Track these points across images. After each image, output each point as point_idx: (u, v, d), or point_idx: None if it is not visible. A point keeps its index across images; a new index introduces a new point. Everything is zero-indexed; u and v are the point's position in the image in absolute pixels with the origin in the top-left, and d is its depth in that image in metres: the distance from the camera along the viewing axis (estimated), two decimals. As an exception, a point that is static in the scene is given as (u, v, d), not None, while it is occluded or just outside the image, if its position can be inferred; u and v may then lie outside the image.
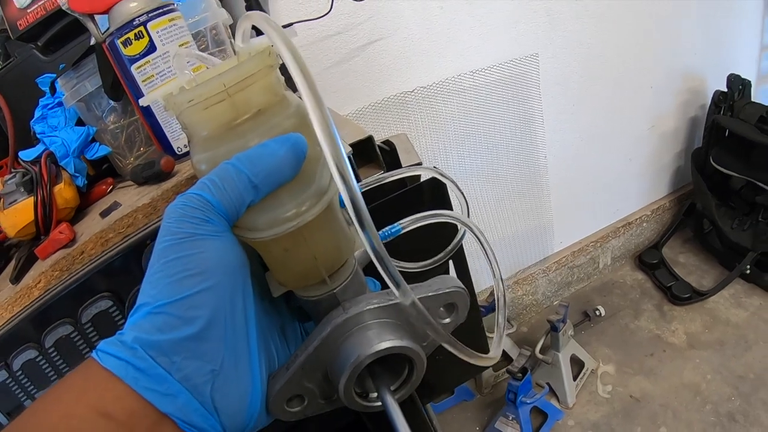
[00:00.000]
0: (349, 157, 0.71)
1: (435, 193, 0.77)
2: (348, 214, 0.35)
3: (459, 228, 0.61)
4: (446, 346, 0.41)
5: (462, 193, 0.61)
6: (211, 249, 0.38)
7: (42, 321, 0.74)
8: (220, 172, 0.38)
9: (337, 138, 0.34)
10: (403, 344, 0.40)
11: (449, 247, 0.61)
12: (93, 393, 0.35)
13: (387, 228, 0.50)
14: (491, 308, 2.33)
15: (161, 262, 0.37)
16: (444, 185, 0.78)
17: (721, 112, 2.69)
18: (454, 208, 0.69)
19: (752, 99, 2.69)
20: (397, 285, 0.37)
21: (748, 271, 2.64)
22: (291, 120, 0.40)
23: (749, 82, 2.66)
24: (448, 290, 0.43)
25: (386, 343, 0.39)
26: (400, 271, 0.37)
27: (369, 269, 0.47)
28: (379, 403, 0.42)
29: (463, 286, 0.44)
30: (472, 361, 0.43)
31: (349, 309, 0.41)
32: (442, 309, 0.45)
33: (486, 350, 0.45)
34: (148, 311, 0.37)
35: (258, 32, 0.38)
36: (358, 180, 0.57)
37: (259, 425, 0.42)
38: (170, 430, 0.36)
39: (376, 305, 0.41)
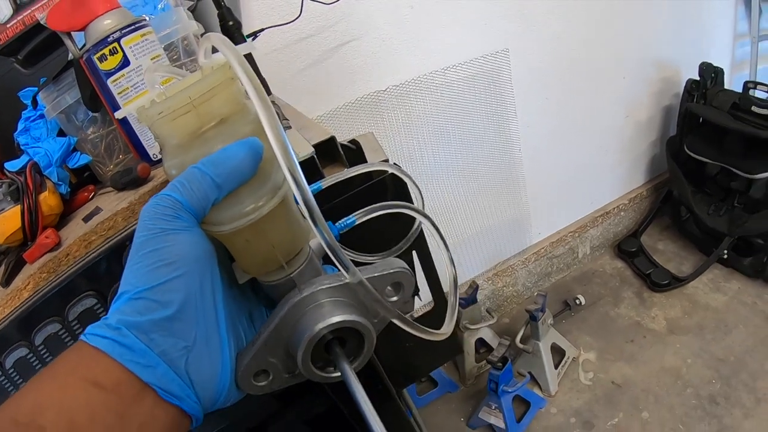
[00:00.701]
0: (312, 158, 0.76)
1: (397, 188, 0.81)
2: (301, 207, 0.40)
3: (416, 221, 0.66)
4: (395, 320, 0.46)
5: (417, 188, 0.66)
6: (181, 242, 0.43)
7: (31, 320, 0.78)
8: (187, 175, 0.43)
9: (287, 143, 0.39)
10: (352, 318, 0.45)
11: (405, 238, 0.65)
12: (84, 367, 0.40)
13: (342, 220, 0.54)
14: (471, 300, 2.37)
15: (139, 254, 0.43)
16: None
17: (694, 100, 2.73)
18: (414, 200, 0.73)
19: (727, 87, 2.72)
20: (346, 267, 0.43)
21: (725, 256, 2.68)
22: (249, 126, 0.45)
23: (722, 69, 2.69)
24: (393, 270, 0.48)
25: (337, 317, 0.44)
26: (364, 264, 0.42)
27: (329, 258, 0.51)
28: (338, 374, 0.47)
29: (407, 267, 0.49)
30: (422, 336, 0.48)
31: (304, 290, 0.46)
32: (389, 288, 0.49)
33: (458, 341, 0.50)
34: (129, 297, 0.42)
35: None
36: (321, 177, 0.62)
37: (230, 398, 0.47)
38: (152, 398, 0.41)
39: (328, 285, 0.46)
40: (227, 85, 0.44)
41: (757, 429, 2.04)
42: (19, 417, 0.37)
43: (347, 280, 0.44)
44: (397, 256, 0.61)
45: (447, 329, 0.52)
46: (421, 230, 0.77)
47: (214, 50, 0.45)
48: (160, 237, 0.42)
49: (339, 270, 0.43)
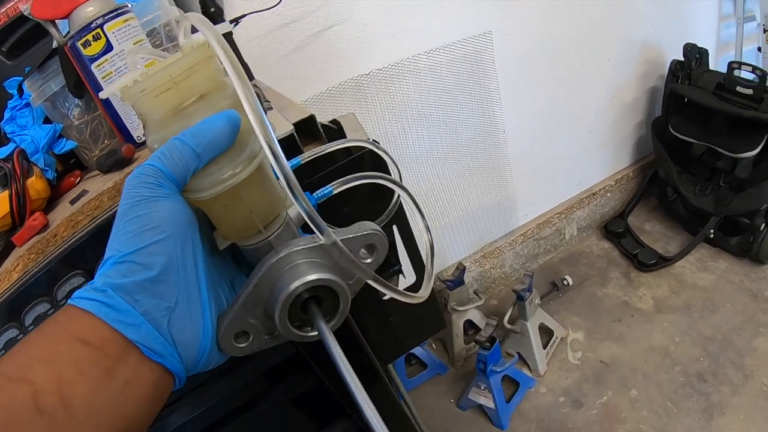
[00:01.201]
0: (292, 135, 0.78)
1: (376, 164, 0.83)
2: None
3: (395, 194, 0.68)
4: (371, 282, 0.48)
5: (395, 163, 0.68)
6: (163, 208, 0.45)
7: (21, 301, 0.79)
8: (168, 145, 0.45)
9: (262, 113, 0.42)
10: (327, 277, 0.47)
11: (386, 212, 0.67)
12: (72, 326, 0.42)
13: (320, 190, 0.57)
14: (458, 282, 2.39)
15: (123, 221, 0.45)
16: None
17: (679, 80, 2.74)
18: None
19: (712, 68, 2.73)
20: (320, 228, 0.45)
21: (712, 236, 2.71)
22: (227, 101, 0.47)
23: (706, 50, 2.70)
24: (366, 233, 0.50)
25: (312, 276, 0.46)
26: (336, 230, 0.43)
27: (308, 227, 0.53)
28: (315, 333, 0.49)
29: (380, 230, 0.51)
30: (398, 297, 0.50)
31: (280, 251, 0.48)
32: (363, 250, 0.52)
33: (440, 318, 0.52)
34: (114, 261, 0.44)
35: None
36: (300, 152, 0.64)
37: (212, 361, 0.49)
38: (136, 356, 0.43)
39: (303, 246, 0.48)
40: (206, 63, 0.46)
41: (744, 405, 2.06)
42: (10, 372, 0.39)
43: (322, 242, 0.46)
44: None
45: (424, 293, 0.54)
46: (401, 206, 0.80)
47: (194, 30, 0.47)
48: (143, 204, 0.44)
49: (315, 233, 0.45)
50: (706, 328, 2.39)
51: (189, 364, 0.47)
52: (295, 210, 0.54)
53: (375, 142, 0.69)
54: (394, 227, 0.89)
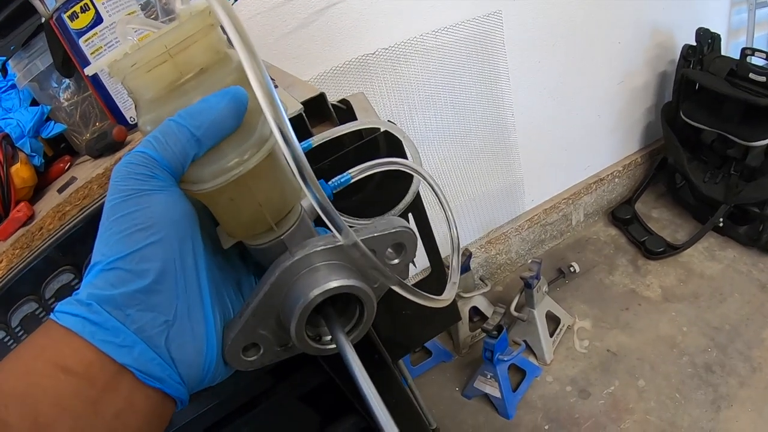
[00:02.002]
0: (300, 115, 0.71)
1: (391, 146, 0.77)
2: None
3: (414, 180, 0.62)
4: (396, 288, 0.42)
5: (413, 145, 0.61)
6: (157, 203, 0.38)
7: (7, 301, 0.74)
8: (162, 128, 0.39)
9: (271, 88, 0.35)
10: (350, 283, 0.41)
11: (405, 200, 0.61)
12: (51, 349, 0.36)
13: (336, 178, 0.50)
14: (464, 268, 2.36)
15: (110, 219, 0.38)
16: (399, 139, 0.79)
17: (691, 66, 2.70)
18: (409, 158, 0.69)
19: (723, 54, 2.68)
20: (339, 228, 0.38)
21: (721, 224, 2.67)
22: (232, 75, 0.41)
23: (718, 35, 2.66)
24: (394, 230, 0.44)
25: (334, 283, 0.40)
26: (359, 228, 0.37)
27: (322, 221, 0.47)
28: (333, 346, 0.43)
29: (409, 226, 0.44)
30: (423, 303, 0.44)
31: (296, 253, 0.42)
32: (390, 250, 0.45)
33: (455, 309, 0.46)
34: (101, 268, 0.38)
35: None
36: (310, 135, 0.57)
37: (218, 376, 0.43)
38: (128, 382, 0.37)
39: (323, 247, 0.42)
40: (207, 33, 0.40)
41: (752, 397, 2.04)
42: None
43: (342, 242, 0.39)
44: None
45: (449, 295, 0.48)
46: (418, 192, 0.74)
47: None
48: (133, 199, 0.38)
49: (332, 231, 0.39)
50: (713, 318, 2.37)
51: (191, 383, 0.41)
52: (308, 201, 0.47)
53: (391, 123, 0.63)
54: (410, 215, 0.83)
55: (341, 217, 0.38)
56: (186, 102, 0.39)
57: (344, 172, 0.52)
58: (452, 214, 0.56)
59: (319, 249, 0.41)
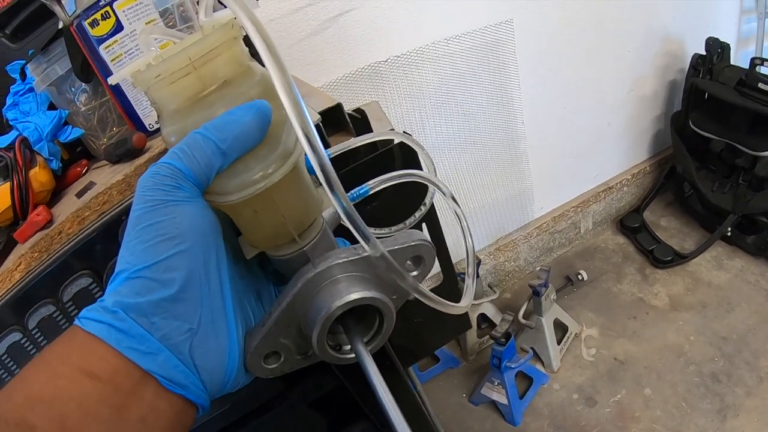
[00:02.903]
0: (318, 125, 0.72)
1: (406, 157, 0.78)
2: (315, 174, 0.36)
3: (429, 190, 0.62)
4: (416, 295, 0.42)
5: (429, 157, 0.62)
6: (183, 214, 0.39)
7: (24, 303, 0.74)
8: (188, 141, 0.39)
9: (299, 99, 0.36)
10: (371, 295, 0.41)
11: (421, 208, 0.62)
12: (77, 355, 0.36)
13: (355, 189, 0.51)
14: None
15: (137, 229, 0.39)
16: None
17: (700, 75, 2.69)
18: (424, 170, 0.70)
19: (732, 63, 2.68)
20: (366, 238, 0.39)
21: (729, 234, 2.66)
22: (256, 88, 0.41)
23: (728, 45, 2.66)
24: (414, 243, 0.45)
25: (355, 294, 0.41)
26: (381, 240, 0.38)
27: (340, 230, 0.48)
28: (353, 355, 0.44)
29: (428, 240, 0.45)
30: (443, 310, 0.44)
31: (318, 264, 0.42)
32: (409, 262, 0.46)
33: (466, 316, 0.47)
34: (126, 276, 0.38)
35: (222, 5, 0.39)
36: (327, 146, 0.58)
37: (238, 383, 0.44)
38: (153, 388, 0.37)
39: (344, 259, 0.42)
40: (230, 45, 0.41)
41: (759, 407, 2.03)
42: (9, 415, 0.34)
43: (367, 254, 0.40)
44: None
45: (466, 302, 0.49)
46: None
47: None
48: (159, 209, 0.38)
49: (359, 242, 0.39)
50: (721, 328, 2.36)
51: (213, 390, 0.41)
52: (328, 212, 0.48)
53: (407, 134, 0.64)
54: (424, 225, 0.84)
55: (368, 229, 0.38)
56: (209, 114, 0.40)
57: (359, 182, 0.52)
58: (467, 225, 0.56)
59: (341, 261, 0.42)
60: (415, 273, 0.46)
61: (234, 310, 0.42)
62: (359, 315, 0.44)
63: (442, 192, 0.53)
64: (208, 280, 0.40)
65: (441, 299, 0.43)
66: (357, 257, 0.42)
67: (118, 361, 0.36)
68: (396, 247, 0.44)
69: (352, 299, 0.41)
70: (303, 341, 0.44)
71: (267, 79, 0.42)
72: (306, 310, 0.43)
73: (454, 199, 0.54)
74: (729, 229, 2.65)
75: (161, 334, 0.38)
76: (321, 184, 0.37)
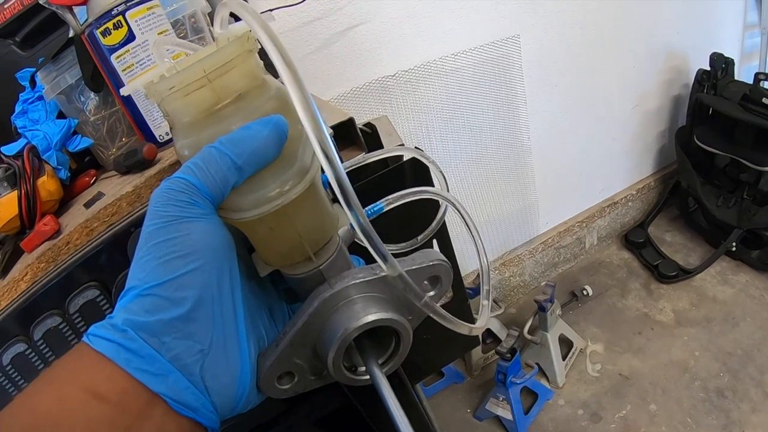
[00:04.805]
0: (331, 137, 0.71)
1: (417, 173, 0.77)
2: (331, 191, 0.35)
3: (440, 206, 0.62)
4: (434, 316, 0.41)
5: (442, 173, 0.61)
6: (197, 231, 0.38)
7: (30, 314, 0.74)
8: (203, 155, 0.39)
9: (318, 115, 0.35)
10: (388, 317, 0.41)
11: (432, 224, 0.61)
12: (85, 375, 0.36)
13: (370, 206, 0.50)
14: (478, 290, 2.33)
15: (149, 245, 0.38)
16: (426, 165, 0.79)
17: (705, 90, 2.70)
18: (436, 186, 0.69)
19: (736, 78, 2.69)
20: (385, 258, 0.38)
21: (734, 249, 2.66)
22: (271, 102, 0.41)
23: (732, 60, 2.67)
24: (431, 263, 0.44)
25: (372, 316, 0.40)
26: (399, 260, 0.37)
27: (354, 247, 0.47)
28: (368, 377, 0.43)
29: (446, 259, 0.44)
30: (460, 330, 0.44)
31: (335, 284, 0.42)
32: (426, 282, 0.45)
33: (476, 335, 0.46)
34: (137, 293, 0.37)
35: (236, 18, 0.38)
36: (340, 160, 0.58)
37: (250, 403, 0.43)
38: (162, 410, 0.37)
39: (361, 279, 0.41)
40: (245, 58, 0.40)
41: (764, 423, 2.02)
42: None
43: (384, 274, 0.39)
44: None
45: (482, 323, 0.48)
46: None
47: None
48: (173, 225, 0.38)
49: (376, 261, 0.39)
50: (726, 343, 2.35)
51: (224, 411, 0.40)
52: (342, 228, 0.47)
53: (419, 150, 0.63)
54: (434, 241, 0.83)
55: (386, 249, 0.38)
56: (224, 128, 0.39)
57: (370, 197, 0.52)
58: (482, 243, 0.55)
59: (358, 282, 0.41)
60: (432, 293, 0.46)
61: (246, 330, 0.41)
62: (375, 335, 0.43)
63: (458, 210, 0.53)
64: (220, 299, 0.39)
65: (459, 321, 0.43)
66: (374, 277, 0.42)
67: (126, 382, 0.36)
68: (414, 268, 0.43)
69: (369, 321, 0.40)
70: (317, 361, 0.43)
71: (282, 93, 0.42)
72: (321, 331, 0.42)
73: (469, 218, 0.54)
74: (734, 243, 2.64)
75: (172, 354, 0.37)
76: (337, 200, 0.36)
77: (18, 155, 0.88)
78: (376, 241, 0.37)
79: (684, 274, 2.69)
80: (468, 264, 2.56)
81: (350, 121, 0.80)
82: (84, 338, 0.37)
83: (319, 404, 0.91)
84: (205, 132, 0.40)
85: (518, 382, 2.12)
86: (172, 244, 0.37)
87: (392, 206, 0.51)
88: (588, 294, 2.67)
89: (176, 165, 0.77)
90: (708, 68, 2.68)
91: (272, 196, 0.40)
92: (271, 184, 0.40)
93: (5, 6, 1.03)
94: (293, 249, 0.42)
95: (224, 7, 0.41)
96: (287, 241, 0.42)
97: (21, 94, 1.00)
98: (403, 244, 0.60)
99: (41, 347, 0.75)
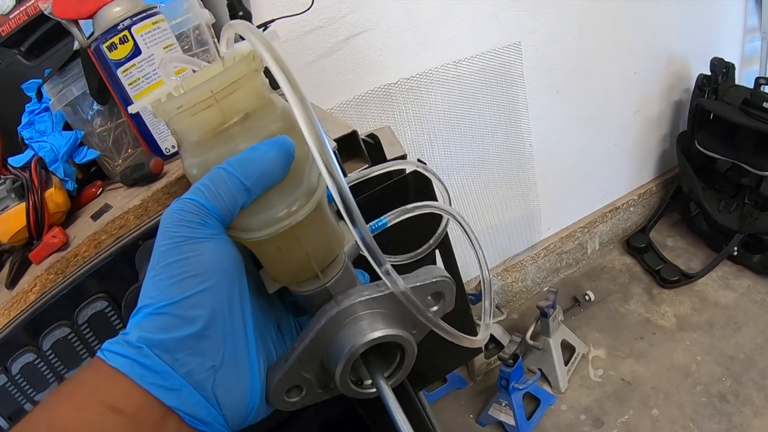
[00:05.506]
0: (334, 152, 0.72)
1: (420, 185, 0.78)
2: (336, 209, 0.37)
3: (443, 218, 0.62)
4: (437, 331, 0.42)
5: (444, 186, 0.62)
6: (208, 251, 0.39)
7: (39, 324, 0.74)
8: (212, 177, 0.40)
9: (324, 138, 0.36)
10: (394, 332, 0.42)
11: (434, 238, 0.62)
12: (102, 389, 0.37)
13: (373, 222, 0.51)
14: (480, 296, 2.33)
15: (161, 264, 0.39)
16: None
17: (705, 95, 2.70)
18: (438, 197, 0.70)
19: (736, 82, 2.69)
20: (389, 275, 0.39)
21: (735, 253, 2.66)
22: (278, 122, 0.42)
23: (733, 65, 2.67)
24: (434, 280, 0.45)
25: (378, 332, 0.41)
26: (402, 276, 0.38)
27: (358, 261, 0.48)
28: (374, 390, 0.44)
29: (449, 276, 0.45)
30: (462, 344, 0.45)
31: (341, 302, 0.43)
32: (429, 298, 0.46)
33: (475, 335, 0.47)
34: (151, 312, 0.38)
35: (243, 36, 0.39)
36: (344, 175, 0.58)
37: (259, 416, 0.44)
38: (175, 424, 0.38)
39: (367, 296, 0.43)
40: (251, 78, 0.41)
41: (766, 427, 2.02)
42: None
43: (389, 291, 0.40)
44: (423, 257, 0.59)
45: (483, 336, 0.49)
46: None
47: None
48: (184, 246, 0.39)
49: (380, 277, 0.40)
50: (728, 348, 2.35)
51: (234, 424, 0.42)
52: (347, 246, 0.48)
53: (422, 163, 0.64)
54: (437, 252, 0.84)
55: (391, 267, 0.39)
56: (232, 148, 0.40)
57: (373, 209, 0.52)
58: (484, 256, 0.56)
59: (364, 299, 0.42)
60: (435, 308, 0.47)
61: (256, 345, 0.42)
62: (380, 349, 0.44)
63: (461, 225, 0.54)
64: (231, 317, 0.40)
65: (461, 334, 0.44)
66: (380, 294, 0.43)
67: (141, 396, 0.37)
68: (417, 284, 0.44)
69: (375, 337, 0.41)
70: (325, 375, 0.44)
71: (288, 112, 0.42)
72: (328, 346, 0.43)
73: (472, 233, 0.54)
74: (735, 248, 2.64)
75: (185, 370, 0.38)
76: (342, 218, 0.37)
77: (25, 167, 0.89)
78: (381, 260, 0.38)
79: (686, 278, 2.69)
80: (470, 270, 2.55)
81: (353, 134, 0.80)
82: (99, 354, 0.39)
83: (324, 408, 0.91)
84: (213, 152, 0.41)
85: (521, 387, 2.11)
86: (184, 264, 0.38)
87: (396, 221, 0.52)
88: (590, 299, 2.67)
89: (183, 179, 0.77)
90: (709, 73, 2.68)
91: (280, 216, 0.40)
92: (279, 204, 0.41)
93: (10, 16, 1.03)
94: (301, 267, 0.43)
95: (230, 28, 0.42)
96: (295, 259, 0.43)
97: (27, 105, 1.00)
98: (405, 256, 0.61)
99: (50, 357, 0.75)
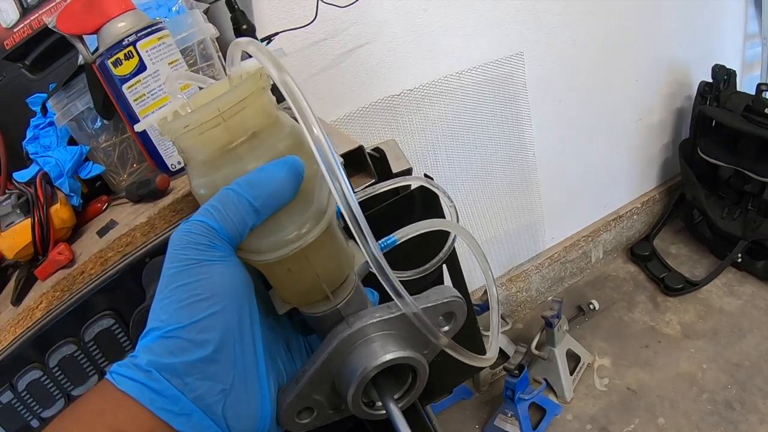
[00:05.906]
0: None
1: (426, 199, 0.78)
2: (345, 225, 0.36)
3: (450, 233, 0.62)
4: (449, 351, 0.42)
5: (451, 201, 0.62)
6: (217, 274, 0.39)
7: (45, 341, 0.74)
8: (221, 198, 0.39)
9: (336, 162, 0.36)
10: (406, 355, 0.41)
11: (442, 252, 0.62)
12: (110, 414, 0.36)
13: (383, 240, 0.51)
14: (486, 307, 2.34)
15: (170, 288, 0.38)
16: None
17: (707, 102, 2.69)
18: (445, 212, 0.70)
19: (738, 89, 2.69)
20: (401, 297, 0.39)
21: (739, 260, 2.65)
22: (286, 141, 0.41)
23: (734, 71, 2.67)
24: (446, 300, 0.45)
25: (390, 355, 0.41)
26: (414, 297, 0.38)
27: (367, 280, 0.48)
28: (384, 411, 0.43)
29: (460, 296, 0.45)
30: (472, 363, 0.44)
31: (353, 324, 0.42)
32: (441, 318, 0.46)
33: (482, 348, 0.47)
34: (160, 335, 0.38)
35: (249, 54, 0.39)
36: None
37: None
38: None
39: (378, 318, 0.42)
40: (259, 96, 0.40)
41: (772, 435, 2.01)
42: None
43: (400, 312, 0.40)
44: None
45: (492, 353, 0.49)
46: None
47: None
48: (194, 269, 0.38)
49: (391, 297, 0.39)
50: (733, 355, 2.33)
51: None
52: (357, 266, 0.48)
53: (429, 178, 0.64)
54: (444, 266, 0.83)
55: (402, 287, 0.38)
56: (240, 167, 0.40)
57: (380, 224, 0.51)
58: (492, 273, 0.56)
59: (375, 321, 0.42)
60: (446, 328, 0.46)
61: (266, 368, 0.42)
62: (391, 370, 0.44)
63: (469, 244, 0.53)
64: (241, 340, 0.40)
65: (471, 354, 0.44)
66: (391, 316, 0.42)
67: (151, 421, 0.36)
68: (429, 305, 0.44)
69: (388, 360, 0.41)
70: (335, 396, 0.44)
71: (297, 131, 0.42)
72: (340, 368, 0.42)
73: (480, 250, 0.54)
74: (739, 255, 2.63)
75: (195, 395, 0.37)
76: (352, 237, 0.37)
77: (30, 182, 0.88)
78: (393, 281, 0.38)
79: (690, 286, 2.68)
80: (475, 279, 2.56)
81: (359, 149, 0.80)
82: (107, 376, 0.38)
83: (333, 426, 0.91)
84: (221, 171, 0.40)
85: (526, 398, 2.11)
86: (194, 288, 0.38)
87: (405, 239, 0.52)
88: (594, 308, 2.66)
89: (189, 196, 0.77)
90: (710, 80, 2.68)
91: (291, 238, 0.40)
92: (289, 226, 0.40)
93: (15, 30, 1.03)
94: (311, 289, 0.43)
95: (236, 46, 0.41)
96: (305, 281, 0.42)
97: (32, 120, 1.00)
98: (413, 271, 0.60)
99: (56, 374, 0.75)
